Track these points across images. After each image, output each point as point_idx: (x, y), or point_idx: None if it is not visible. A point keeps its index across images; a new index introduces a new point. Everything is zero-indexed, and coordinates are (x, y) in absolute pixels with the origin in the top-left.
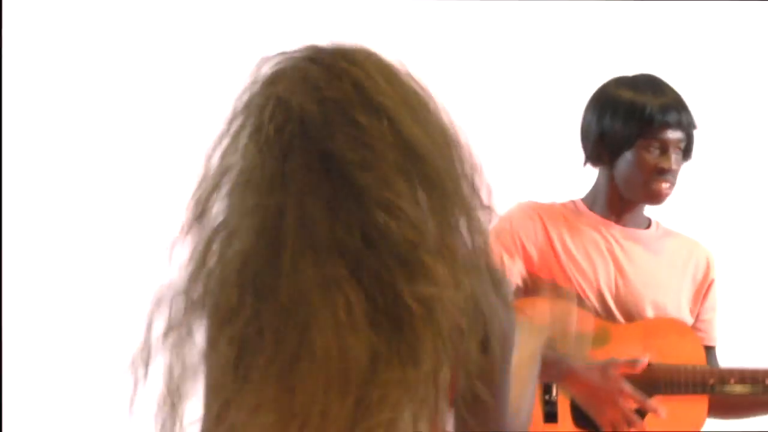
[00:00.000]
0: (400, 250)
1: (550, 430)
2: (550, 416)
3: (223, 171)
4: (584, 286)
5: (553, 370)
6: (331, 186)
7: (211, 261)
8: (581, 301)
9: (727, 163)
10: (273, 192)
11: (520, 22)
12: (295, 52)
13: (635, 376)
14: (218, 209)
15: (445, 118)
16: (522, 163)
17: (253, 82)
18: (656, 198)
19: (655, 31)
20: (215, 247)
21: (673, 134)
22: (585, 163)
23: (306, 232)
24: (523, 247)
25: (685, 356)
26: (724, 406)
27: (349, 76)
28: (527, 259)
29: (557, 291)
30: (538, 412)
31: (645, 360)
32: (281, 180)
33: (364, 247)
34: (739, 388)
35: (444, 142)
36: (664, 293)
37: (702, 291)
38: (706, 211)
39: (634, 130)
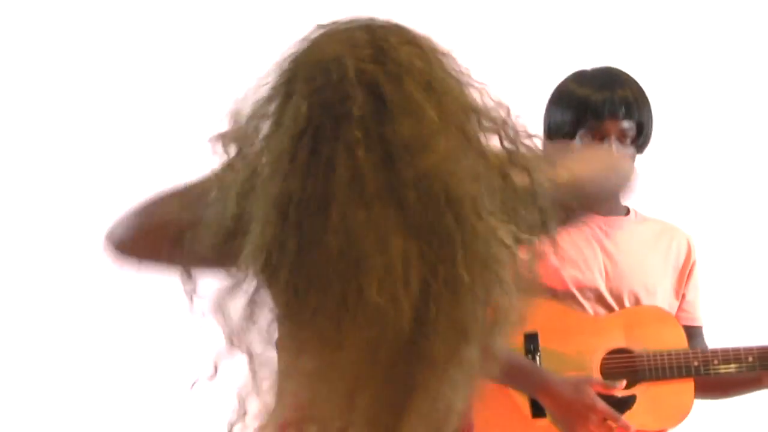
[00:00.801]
0: (458, 210)
1: (538, 424)
2: (539, 410)
3: (264, 115)
4: (578, 277)
5: (527, 381)
6: (386, 142)
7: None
8: (573, 297)
9: (708, 153)
10: (321, 141)
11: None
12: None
13: (620, 365)
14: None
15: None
16: None
17: (310, 40)
18: None
19: (634, 27)
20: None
21: (612, 123)
22: None
23: (357, 184)
24: None
25: (667, 342)
26: (712, 386)
27: (412, 49)
28: None
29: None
30: (525, 407)
31: (621, 384)
32: (331, 131)
33: (419, 203)
34: (723, 369)
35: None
36: (652, 277)
37: (686, 272)
38: (685, 199)
39: (571, 119)
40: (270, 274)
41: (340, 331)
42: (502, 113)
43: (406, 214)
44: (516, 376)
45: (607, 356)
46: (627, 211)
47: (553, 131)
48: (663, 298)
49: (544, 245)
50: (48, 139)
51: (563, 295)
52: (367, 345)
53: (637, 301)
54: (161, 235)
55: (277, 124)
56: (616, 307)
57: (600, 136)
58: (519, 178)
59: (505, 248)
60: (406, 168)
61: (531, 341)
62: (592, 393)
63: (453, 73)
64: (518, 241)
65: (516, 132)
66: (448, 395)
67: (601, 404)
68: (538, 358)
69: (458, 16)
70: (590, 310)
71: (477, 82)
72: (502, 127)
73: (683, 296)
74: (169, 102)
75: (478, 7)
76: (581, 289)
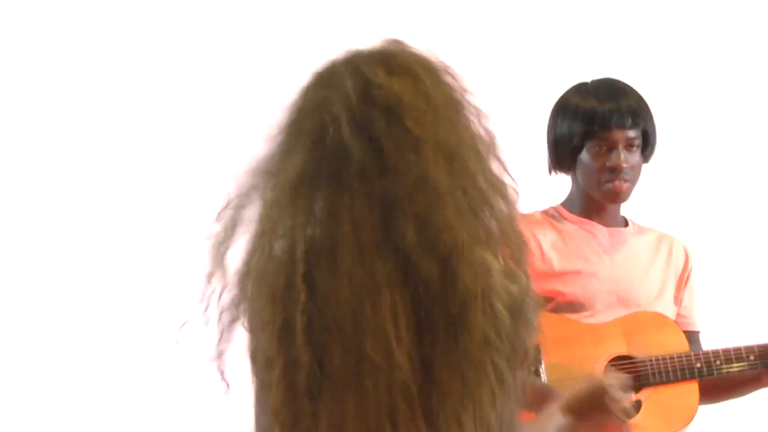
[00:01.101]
0: (447, 252)
1: None
2: None
3: (269, 169)
4: (586, 286)
5: (539, 400)
6: (384, 192)
7: (255, 258)
8: (582, 306)
9: (701, 162)
10: (327, 193)
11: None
12: (348, 58)
13: (624, 372)
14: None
15: (477, 121)
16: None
17: (309, 88)
18: (612, 196)
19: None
20: (259, 243)
21: (620, 132)
22: (550, 171)
23: (358, 234)
24: None
25: (667, 346)
26: (713, 389)
27: (399, 88)
28: None
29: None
30: None
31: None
32: (334, 181)
33: (417, 246)
34: (726, 368)
35: (478, 147)
36: (657, 285)
37: (683, 279)
38: (679, 208)
39: (578, 131)
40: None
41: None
42: (494, 142)
43: (398, 266)
44: (528, 396)
45: (610, 364)
46: (626, 222)
47: (559, 143)
48: (666, 304)
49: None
50: (48, 139)
51: (571, 305)
52: (379, 401)
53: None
54: None
55: (274, 179)
56: (623, 315)
57: (608, 146)
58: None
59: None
60: (402, 213)
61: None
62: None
63: (446, 95)
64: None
65: (500, 164)
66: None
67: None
68: (542, 371)
69: (457, 25)
70: (601, 319)
71: (472, 104)
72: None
73: (680, 302)
74: (169, 105)
75: (476, 17)
76: (592, 302)
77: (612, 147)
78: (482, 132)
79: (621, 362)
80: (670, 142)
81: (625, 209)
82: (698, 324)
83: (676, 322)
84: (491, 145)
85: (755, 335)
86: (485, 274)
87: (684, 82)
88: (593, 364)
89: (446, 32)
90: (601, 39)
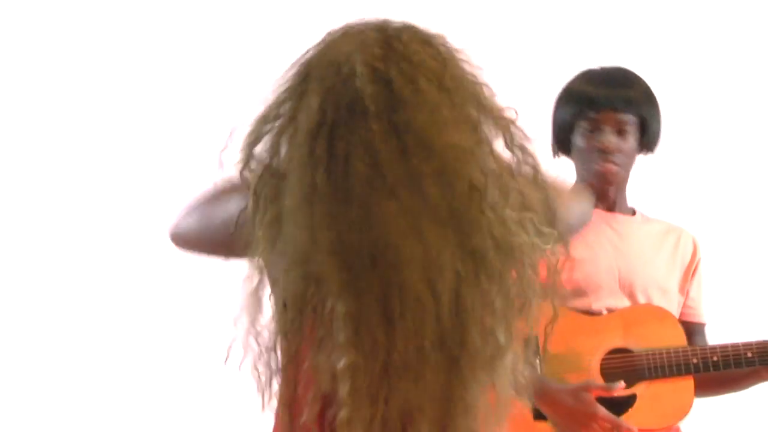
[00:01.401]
0: (481, 199)
1: (540, 427)
2: (540, 414)
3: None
4: (589, 271)
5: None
6: (401, 132)
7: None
8: (585, 295)
9: (708, 154)
10: (336, 137)
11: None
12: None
13: (620, 364)
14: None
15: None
16: None
17: (327, 44)
18: (600, 178)
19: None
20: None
21: (610, 115)
22: (553, 155)
23: (377, 176)
24: None
25: (666, 340)
26: (711, 383)
27: (423, 51)
28: None
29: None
30: (527, 410)
31: (621, 385)
32: (345, 126)
33: (441, 192)
34: (722, 365)
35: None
36: (662, 275)
37: (690, 270)
38: (687, 200)
39: (571, 111)
40: (305, 272)
41: (385, 331)
42: (510, 116)
43: (430, 202)
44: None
45: (607, 356)
46: (633, 212)
47: (557, 127)
48: (672, 294)
49: (561, 256)
50: (48, 139)
51: (573, 291)
52: (413, 337)
53: (649, 300)
54: (220, 235)
55: (292, 123)
56: (627, 303)
57: (594, 127)
58: (528, 187)
59: (527, 237)
60: (423, 158)
61: None
62: (592, 400)
63: (466, 72)
64: (540, 234)
65: (522, 136)
66: (487, 383)
67: (602, 411)
68: (537, 361)
69: (465, 19)
70: (603, 309)
71: (487, 83)
72: (508, 129)
73: (687, 293)
74: (171, 104)
75: (484, 10)
76: (594, 288)
77: (597, 128)
78: (499, 106)
79: (617, 355)
80: (678, 135)
81: (633, 201)
82: (705, 316)
83: (682, 312)
84: (505, 118)
85: (761, 328)
86: (516, 231)
87: (692, 76)
88: (590, 357)
89: (451, 30)
90: (607, 33)
